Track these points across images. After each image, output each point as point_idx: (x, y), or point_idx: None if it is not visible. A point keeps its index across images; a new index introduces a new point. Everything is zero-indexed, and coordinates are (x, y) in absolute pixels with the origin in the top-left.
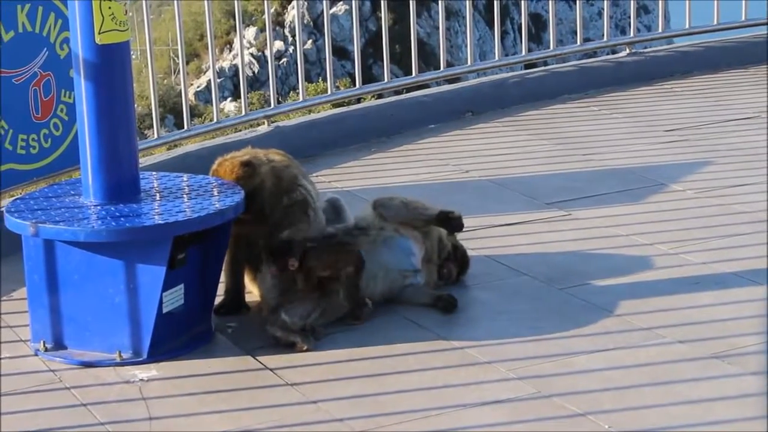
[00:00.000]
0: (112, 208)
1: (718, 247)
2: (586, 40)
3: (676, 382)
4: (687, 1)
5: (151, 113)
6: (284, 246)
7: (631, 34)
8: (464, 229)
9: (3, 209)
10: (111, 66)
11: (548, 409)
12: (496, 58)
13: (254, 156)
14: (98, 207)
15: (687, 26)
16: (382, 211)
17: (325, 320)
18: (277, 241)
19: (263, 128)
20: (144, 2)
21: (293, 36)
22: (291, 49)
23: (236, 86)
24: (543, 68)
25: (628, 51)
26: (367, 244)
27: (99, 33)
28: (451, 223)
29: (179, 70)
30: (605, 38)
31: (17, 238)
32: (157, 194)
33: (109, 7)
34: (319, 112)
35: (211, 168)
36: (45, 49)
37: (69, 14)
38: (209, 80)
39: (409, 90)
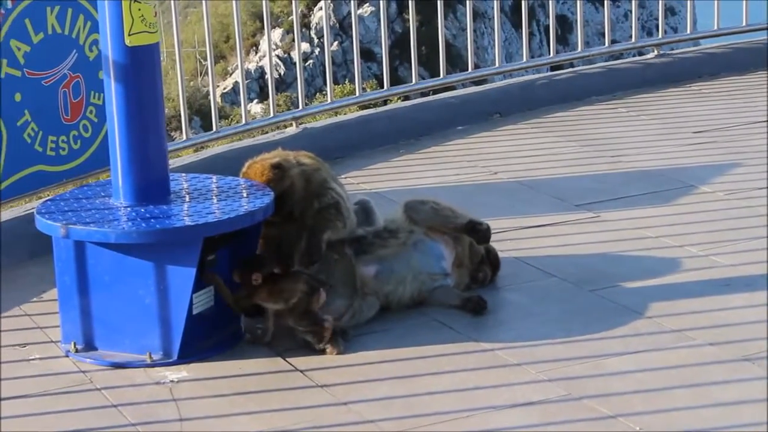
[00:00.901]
0: (142, 210)
1: (747, 249)
2: (612, 42)
3: (707, 384)
4: (715, 3)
5: (177, 115)
6: (256, 260)
7: (660, 36)
8: (493, 231)
9: (33, 211)
10: (141, 67)
11: (579, 411)
12: (524, 59)
13: (284, 158)
14: (128, 208)
15: (715, 27)
16: (412, 215)
17: (355, 322)
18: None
19: (291, 130)
20: (172, 3)
21: (319, 38)
22: (317, 51)
23: (262, 88)
24: (571, 70)
25: (655, 53)
26: (396, 246)
27: (129, 35)
28: (478, 234)
29: (205, 72)
30: (633, 39)
31: (48, 239)
32: (187, 196)
33: (139, 9)
34: (344, 114)
35: (241, 170)
36: (74, 50)
37: (99, 16)
38: (235, 82)
39: (435, 92)
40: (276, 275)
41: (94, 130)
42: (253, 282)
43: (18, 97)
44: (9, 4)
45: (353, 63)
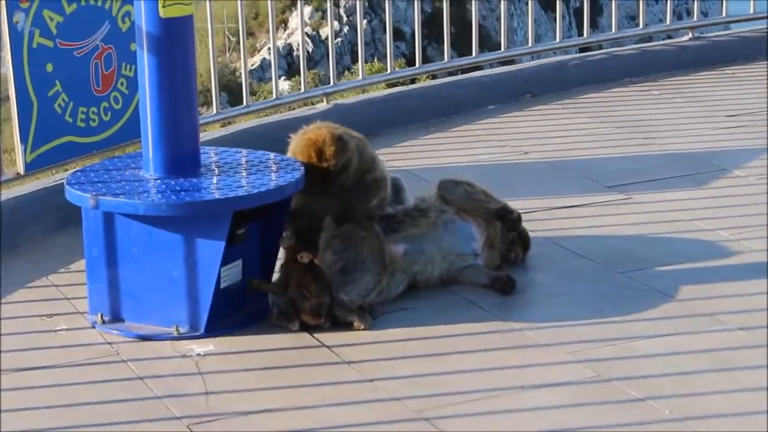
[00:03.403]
0: (172, 182)
1: None
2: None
3: (738, 368)
4: None
5: (205, 91)
6: (311, 240)
7: (694, 18)
8: (524, 211)
9: (63, 181)
10: (174, 39)
11: (608, 393)
12: (557, 39)
13: (344, 131)
14: (158, 181)
15: (751, 12)
16: (445, 194)
17: (383, 299)
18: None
19: (322, 106)
20: None
21: (348, 16)
22: (346, 29)
23: (290, 65)
24: (604, 51)
25: (690, 35)
26: (426, 226)
27: (163, 6)
28: (508, 222)
29: (233, 48)
30: (667, 22)
31: (77, 210)
32: (217, 169)
33: None
34: (372, 92)
35: (292, 143)
36: (107, 22)
37: None
38: (263, 59)
39: (464, 72)
40: (313, 266)
41: (125, 102)
42: (299, 258)
43: (50, 67)
44: None
45: (381, 42)
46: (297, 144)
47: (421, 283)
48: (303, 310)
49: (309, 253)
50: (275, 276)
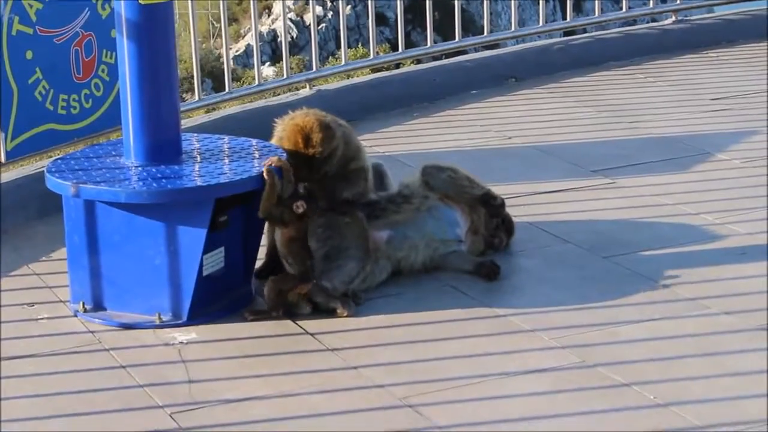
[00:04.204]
0: (154, 170)
1: (764, 218)
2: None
3: (722, 353)
4: None
5: (189, 77)
6: (309, 195)
7: (677, 1)
8: (508, 196)
9: (44, 169)
10: (154, 26)
11: (592, 378)
12: (541, 23)
13: (332, 119)
14: (139, 168)
15: None
16: (428, 180)
17: (366, 286)
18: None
19: (305, 92)
20: None
21: (332, 2)
22: (330, 14)
23: (274, 51)
24: (588, 35)
25: (673, 18)
26: (410, 212)
27: None
28: (492, 208)
29: (218, 34)
30: (651, 5)
31: (57, 198)
32: (199, 156)
33: None
34: (357, 77)
35: (278, 127)
36: (87, 8)
37: None
38: (247, 45)
39: (447, 56)
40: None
41: (106, 89)
42: (294, 208)
43: (29, 54)
44: None
45: (365, 27)
46: (284, 129)
47: (405, 269)
48: (290, 288)
49: (304, 203)
50: (258, 263)
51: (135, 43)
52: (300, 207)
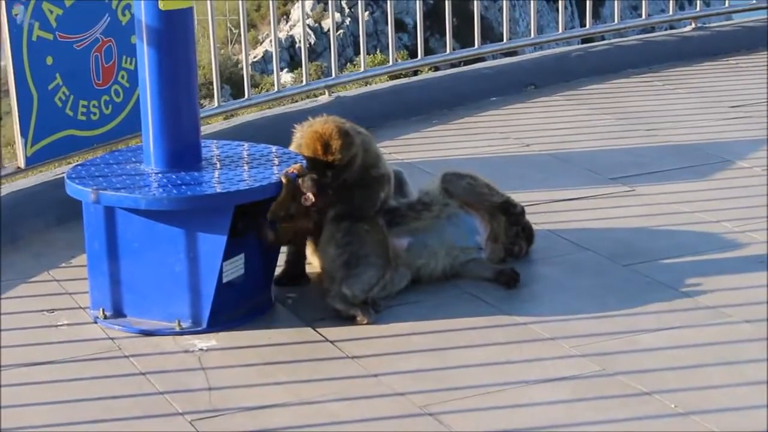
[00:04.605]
0: (174, 176)
1: None
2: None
3: (743, 362)
4: None
5: (206, 83)
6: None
7: (697, 9)
8: (527, 203)
9: (63, 175)
10: (174, 32)
11: (612, 387)
12: (560, 30)
13: (351, 126)
14: (159, 174)
15: (754, 0)
16: (448, 187)
17: (386, 293)
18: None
19: (324, 98)
20: None
21: (350, 8)
22: (347, 21)
23: (292, 57)
24: (606, 42)
25: (693, 26)
26: (429, 219)
27: None
28: (511, 216)
29: (236, 40)
30: (671, 12)
31: (78, 204)
32: (218, 163)
33: None
34: (375, 84)
35: (298, 134)
36: (107, 14)
37: None
38: (265, 51)
39: (465, 63)
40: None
41: (126, 96)
42: (303, 200)
43: (50, 60)
44: None
45: (383, 33)
46: (303, 136)
47: (425, 277)
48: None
49: (313, 195)
50: (278, 270)
51: (155, 49)
52: (308, 199)
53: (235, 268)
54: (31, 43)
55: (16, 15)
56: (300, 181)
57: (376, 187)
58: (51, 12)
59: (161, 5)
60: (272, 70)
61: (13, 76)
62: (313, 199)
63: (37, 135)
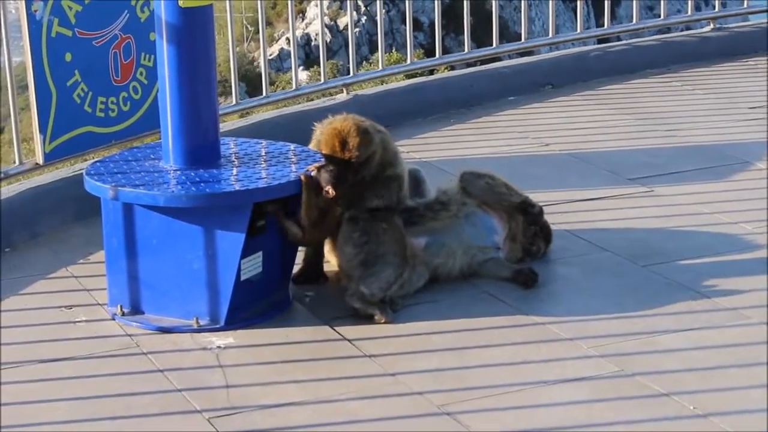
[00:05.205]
0: (192, 173)
1: None
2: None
3: (762, 364)
4: None
5: (222, 81)
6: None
7: (715, 9)
8: (545, 203)
9: (81, 172)
10: (193, 29)
11: (631, 388)
12: (577, 30)
13: (370, 124)
14: (178, 171)
15: None
16: (466, 187)
17: (404, 292)
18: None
19: (341, 97)
20: None
21: (366, 6)
22: (363, 19)
23: (308, 55)
24: (625, 42)
25: (711, 26)
26: (447, 219)
27: None
28: (529, 216)
29: (251, 38)
30: (688, 12)
31: (96, 200)
32: (237, 160)
33: None
34: (390, 82)
35: (317, 131)
36: (126, 11)
37: None
38: (281, 49)
39: (482, 63)
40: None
41: (144, 92)
42: (324, 192)
43: (68, 56)
44: None
45: (398, 32)
46: (322, 133)
47: (443, 276)
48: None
49: (333, 187)
50: (296, 268)
51: (174, 46)
52: (328, 193)
53: (254, 265)
54: (51, 40)
55: (35, 11)
56: (318, 175)
57: (392, 185)
58: (70, 8)
59: (181, 3)
60: (287, 68)
61: (32, 72)
62: (333, 192)
63: (56, 131)
